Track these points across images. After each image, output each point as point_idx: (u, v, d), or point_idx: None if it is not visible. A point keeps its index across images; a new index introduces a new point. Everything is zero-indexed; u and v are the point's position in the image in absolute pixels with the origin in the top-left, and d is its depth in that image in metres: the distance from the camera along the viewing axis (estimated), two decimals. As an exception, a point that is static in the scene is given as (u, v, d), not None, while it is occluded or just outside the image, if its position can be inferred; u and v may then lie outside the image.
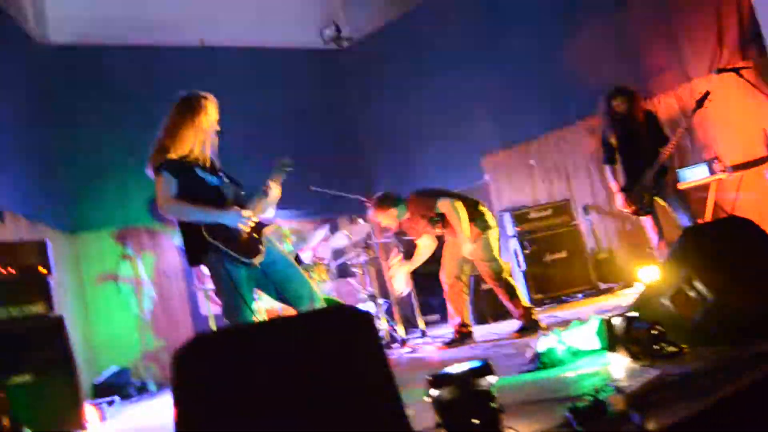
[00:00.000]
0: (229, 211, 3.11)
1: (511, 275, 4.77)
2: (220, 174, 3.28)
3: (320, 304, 3.24)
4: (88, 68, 6.93)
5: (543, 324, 4.58)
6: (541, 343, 3.10)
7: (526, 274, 6.31)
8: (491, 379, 1.90)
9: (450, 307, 4.92)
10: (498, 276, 4.67)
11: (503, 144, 7.59)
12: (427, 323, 6.17)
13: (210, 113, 3.26)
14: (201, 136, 3.22)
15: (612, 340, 2.89)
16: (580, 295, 6.25)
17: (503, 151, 7.60)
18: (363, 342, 1.80)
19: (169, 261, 7.13)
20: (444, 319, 7.32)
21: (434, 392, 1.92)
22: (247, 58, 7.72)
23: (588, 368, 2.73)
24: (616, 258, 6.61)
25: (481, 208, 4.79)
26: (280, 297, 3.24)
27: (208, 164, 3.24)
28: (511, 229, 6.50)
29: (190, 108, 3.23)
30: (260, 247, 3.16)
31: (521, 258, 6.37)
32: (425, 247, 5.05)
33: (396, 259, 4.85)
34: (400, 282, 5.00)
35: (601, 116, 5.29)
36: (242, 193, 3.32)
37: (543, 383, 2.73)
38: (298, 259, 5.67)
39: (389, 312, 6.00)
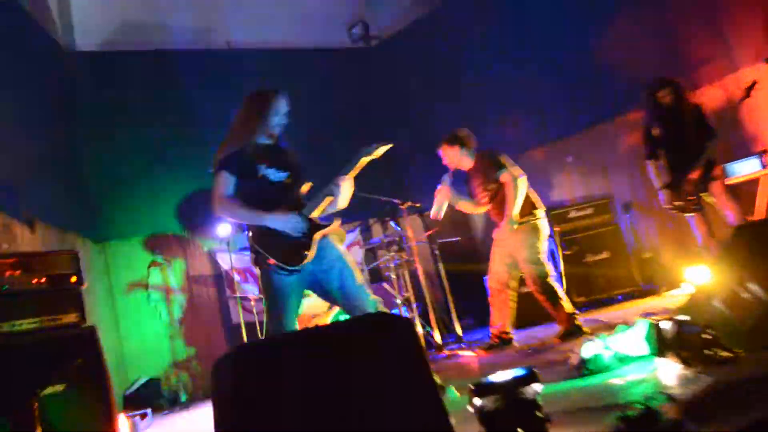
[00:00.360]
0: (281, 214, 3.11)
1: (553, 279, 4.73)
2: (288, 169, 3.27)
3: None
4: (116, 75, 7.04)
5: (586, 329, 4.51)
6: (587, 349, 3.08)
7: (565, 276, 6.26)
8: (537, 387, 1.90)
9: (493, 313, 4.93)
10: (542, 280, 4.64)
11: (539, 141, 7.51)
12: (463, 327, 6.10)
13: (279, 106, 3.29)
14: (267, 130, 3.26)
15: (661, 344, 2.84)
16: (622, 297, 6.20)
17: (540, 148, 7.53)
18: (404, 350, 1.81)
19: (198, 268, 7.21)
20: (478, 323, 7.31)
21: (478, 401, 1.91)
22: (274, 59, 7.78)
23: (636, 375, 2.70)
24: (660, 258, 6.51)
25: (537, 208, 4.80)
26: (337, 304, 3.25)
27: (274, 156, 3.25)
28: (548, 229, 6.41)
29: (256, 103, 3.28)
30: (307, 252, 3.11)
31: (559, 259, 6.31)
32: (467, 208, 5.06)
33: (447, 182, 4.79)
34: (440, 206, 4.82)
35: (644, 109, 5.20)
36: (308, 188, 3.32)
37: (590, 391, 2.70)
38: None
39: (424, 316, 6.00)
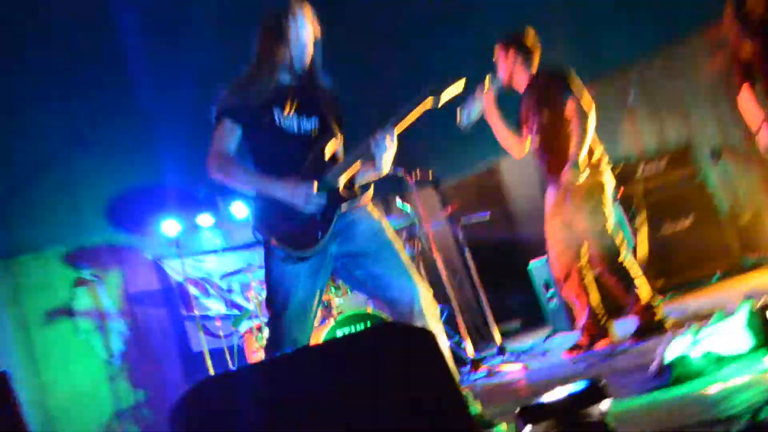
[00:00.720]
0: (291, 182, 3.14)
1: (628, 256, 4.75)
2: (316, 116, 3.33)
3: (431, 314, 3.23)
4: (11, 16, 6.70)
5: (670, 321, 4.55)
6: (671, 349, 3.10)
7: (636, 254, 6.26)
8: (605, 406, 1.94)
9: (572, 305, 5.00)
10: (613, 259, 4.68)
11: (590, 75, 7.46)
12: (504, 334, 6.21)
13: (296, 31, 3.29)
14: (289, 66, 3.29)
15: (771, 335, 2.87)
16: (717, 276, 6.22)
17: (590, 84, 7.50)
18: (425, 370, 1.86)
19: (141, 283, 7.26)
20: (526, 326, 7.39)
21: (527, 430, 1.96)
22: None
23: (739, 378, 2.71)
24: (766, 220, 6.51)
25: (599, 157, 4.76)
26: (373, 296, 3.34)
27: (298, 99, 3.29)
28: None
29: (264, 34, 3.33)
30: (321, 233, 3.17)
31: (628, 232, 6.33)
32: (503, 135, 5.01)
33: (493, 84, 4.82)
34: (472, 110, 4.69)
35: (731, 22, 5.18)
36: (339, 143, 3.35)
37: (678, 404, 2.72)
38: None
39: (451, 323, 6.04)
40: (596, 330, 4.86)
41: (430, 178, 5.76)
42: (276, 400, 1.78)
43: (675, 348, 3.09)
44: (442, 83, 3.06)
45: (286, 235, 3.15)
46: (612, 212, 4.74)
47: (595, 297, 4.88)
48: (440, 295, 6.20)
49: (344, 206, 3.22)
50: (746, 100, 5.07)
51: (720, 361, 3.00)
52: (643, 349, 3.96)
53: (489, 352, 5.96)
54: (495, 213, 7.71)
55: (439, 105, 3.08)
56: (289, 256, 3.13)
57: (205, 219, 7.28)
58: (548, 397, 1.99)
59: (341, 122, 3.45)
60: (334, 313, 5.78)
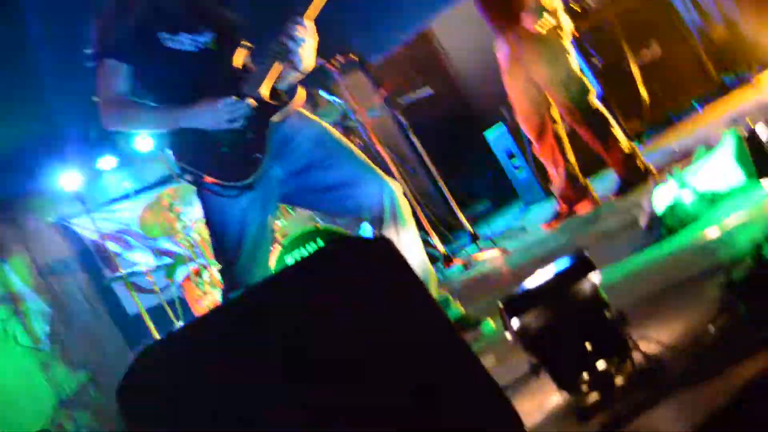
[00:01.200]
0: (205, 103, 3.08)
1: (597, 100, 4.81)
2: (211, 27, 3.25)
3: (406, 212, 3.30)
4: None
5: (653, 169, 4.65)
6: (659, 198, 3.16)
7: (604, 100, 6.31)
8: (595, 278, 1.96)
9: (549, 168, 5.10)
10: (581, 105, 4.72)
11: None
12: (473, 219, 6.32)
13: None
14: None
15: (762, 161, 2.95)
16: (695, 104, 6.31)
17: None
18: (393, 287, 1.88)
19: (51, 251, 7.22)
20: (498, 205, 7.52)
21: (515, 323, 1.97)
22: None
23: (736, 216, 2.79)
24: (741, 34, 6.53)
25: None
26: (337, 210, 3.38)
27: (184, 12, 3.24)
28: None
29: None
30: (259, 154, 3.14)
31: (590, 77, 6.34)
32: None
33: None
34: None
35: None
36: (246, 47, 3.29)
37: (674, 258, 2.80)
38: None
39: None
40: (575, 193, 4.97)
41: (356, 59, 5.73)
42: (237, 353, 1.80)
43: (662, 196, 3.15)
44: None
45: (219, 165, 3.12)
46: (573, 56, 4.79)
47: (570, 156, 4.99)
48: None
49: (276, 117, 3.18)
50: None
51: (713, 200, 3.08)
52: (628, 205, 4.03)
53: (461, 242, 6.05)
54: (435, 85, 7.73)
55: None
56: (229, 188, 3.11)
57: (106, 161, 7.14)
58: (531, 283, 2.02)
59: (240, 25, 3.39)
60: (278, 238, 5.77)
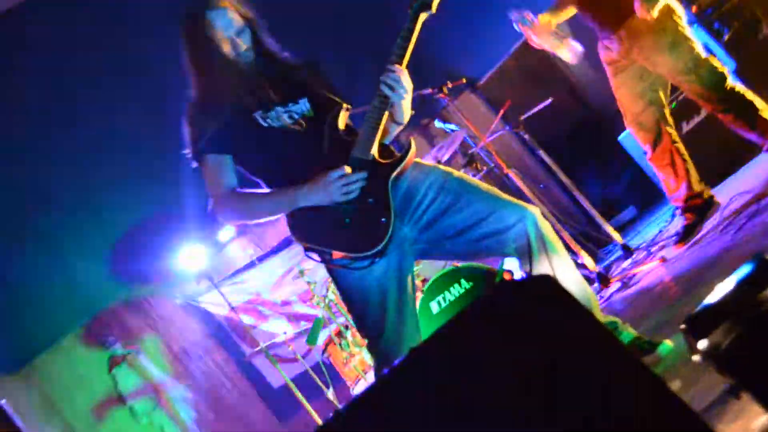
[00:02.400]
0: (318, 180, 3.06)
1: (735, 79, 4.59)
2: (303, 96, 3.28)
3: (551, 236, 3.15)
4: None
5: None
6: None
7: (740, 74, 5.71)
8: None
9: (663, 177, 4.91)
10: (718, 89, 4.52)
11: None
12: (621, 228, 6.24)
13: (216, 19, 3.22)
14: (233, 60, 3.22)
15: None
16: None
17: None
18: (562, 326, 1.82)
19: (185, 335, 7.27)
20: (644, 207, 7.32)
21: (703, 344, 1.91)
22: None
23: None
24: None
25: None
26: (478, 250, 3.20)
27: (270, 89, 3.25)
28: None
29: (189, 36, 3.28)
30: (385, 217, 3.06)
31: (722, 53, 5.95)
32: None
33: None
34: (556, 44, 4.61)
35: None
36: (345, 108, 3.26)
37: None
38: None
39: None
40: (701, 204, 4.80)
41: (464, 82, 5.74)
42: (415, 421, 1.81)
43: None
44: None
45: (345, 238, 3.08)
46: (694, 37, 4.60)
47: (690, 164, 4.80)
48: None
49: (393, 175, 3.09)
50: None
51: None
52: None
53: (613, 257, 5.90)
54: (553, 92, 7.50)
55: (434, 11, 3.12)
56: (360, 260, 3.07)
57: (226, 233, 7.16)
58: (713, 297, 1.94)
59: (335, 89, 3.37)
60: (417, 284, 5.61)
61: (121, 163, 6.83)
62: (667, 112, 4.83)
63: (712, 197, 4.79)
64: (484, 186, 3.20)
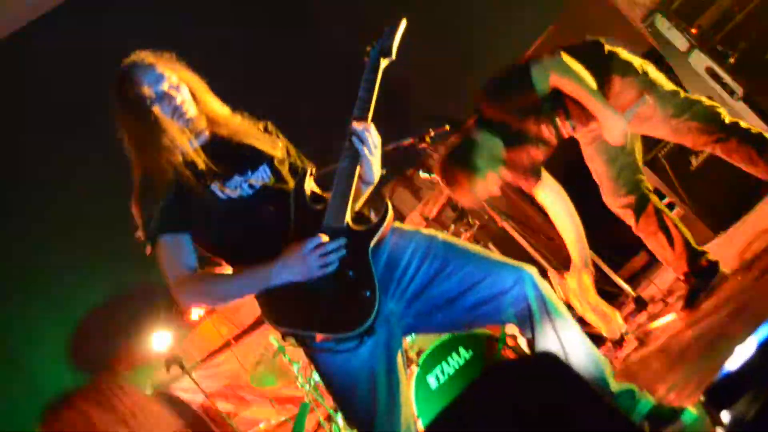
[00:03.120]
0: (288, 254, 2.93)
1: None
2: (260, 162, 3.21)
3: (551, 296, 3.08)
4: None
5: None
6: None
7: (749, 97, 5.89)
8: None
9: (655, 247, 4.86)
10: (716, 122, 4.39)
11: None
12: (633, 278, 6.20)
13: (158, 74, 3.19)
14: (174, 125, 3.13)
15: None
16: None
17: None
18: (567, 408, 1.91)
19: (160, 428, 6.96)
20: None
21: (726, 416, 1.89)
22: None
23: None
24: None
25: (609, 50, 4.57)
26: (472, 319, 3.10)
27: (223, 156, 3.16)
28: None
29: (124, 101, 3.19)
30: (369, 291, 2.89)
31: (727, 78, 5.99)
32: (554, 201, 4.83)
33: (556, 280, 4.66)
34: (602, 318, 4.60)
35: None
36: (310, 172, 3.22)
37: None
38: None
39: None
40: (703, 269, 4.67)
41: (448, 129, 5.52)
42: None
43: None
44: (385, 36, 3.19)
45: (327, 318, 2.91)
46: (664, 79, 4.57)
47: (682, 227, 4.78)
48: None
49: (373, 242, 2.98)
50: None
51: None
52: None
53: (625, 312, 5.63)
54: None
55: (394, 57, 3.18)
56: (345, 341, 2.93)
57: (194, 311, 6.76)
58: (732, 363, 1.93)
59: (297, 151, 3.40)
60: (412, 357, 5.36)
61: (81, 240, 6.78)
62: (644, 177, 4.82)
63: (713, 265, 4.65)
64: (474, 247, 3.15)
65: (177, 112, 3.15)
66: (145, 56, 3.26)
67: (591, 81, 4.34)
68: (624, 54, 4.58)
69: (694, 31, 6.03)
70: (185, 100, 3.19)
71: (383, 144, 5.12)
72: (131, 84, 3.15)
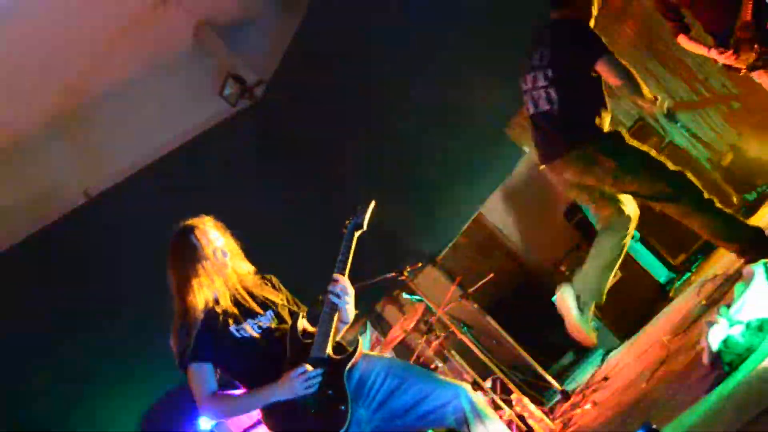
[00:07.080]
0: (284, 380, 3.25)
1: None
2: (265, 308, 3.53)
3: (484, 407, 3.30)
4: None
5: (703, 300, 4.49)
6: (714, 336, 3.07)
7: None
8: None
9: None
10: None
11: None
12: (559, 375, 6.35)
13: (209, 237, 3.52)
14: (213, 278, 3.46)
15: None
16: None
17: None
18: None
19: None
20: (582, 355, 7.31)
21: None
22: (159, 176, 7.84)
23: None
24: (747, 153, 6.47)
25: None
26: (423, 426, 3.36)
27: (247, 303, 3.50)
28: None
29: (180, 251, 3.51)
30: (344, 405, 3.22)
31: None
32: None
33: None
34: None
35: None
36: (302, 316, 3.52)
37: (743, 390, 2.71)
38: None
39: (506, 391, 5.93)
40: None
41: (420, 266, 5.99)
42: None
43: (717, 334, 3.07)
44: (360, 210, 3.61)
45: (313, 426, 3.25)
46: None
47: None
48: (485, 370, 6.08)
49: (347, 368, 3.31)
50: (686, 43, 4.89)
51: (761, 327, 3.00)
52: (689, 343, 3.91)
53: (554, 401, 5.93)
54: (498, 260, 7.94)
55: (366, 228, 3.56)
56: None
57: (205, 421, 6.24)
58: None
59: (293, 297, 3.70)
60: None
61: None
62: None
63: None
64: (422, 370, 3.54)
65: (221, 270, 3.47)
66: (206, 220, 3.57)
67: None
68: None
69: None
70: (227, 261, 3.48)
71: (374, 276, 5.62)
72: (190, 240, 3.46)
